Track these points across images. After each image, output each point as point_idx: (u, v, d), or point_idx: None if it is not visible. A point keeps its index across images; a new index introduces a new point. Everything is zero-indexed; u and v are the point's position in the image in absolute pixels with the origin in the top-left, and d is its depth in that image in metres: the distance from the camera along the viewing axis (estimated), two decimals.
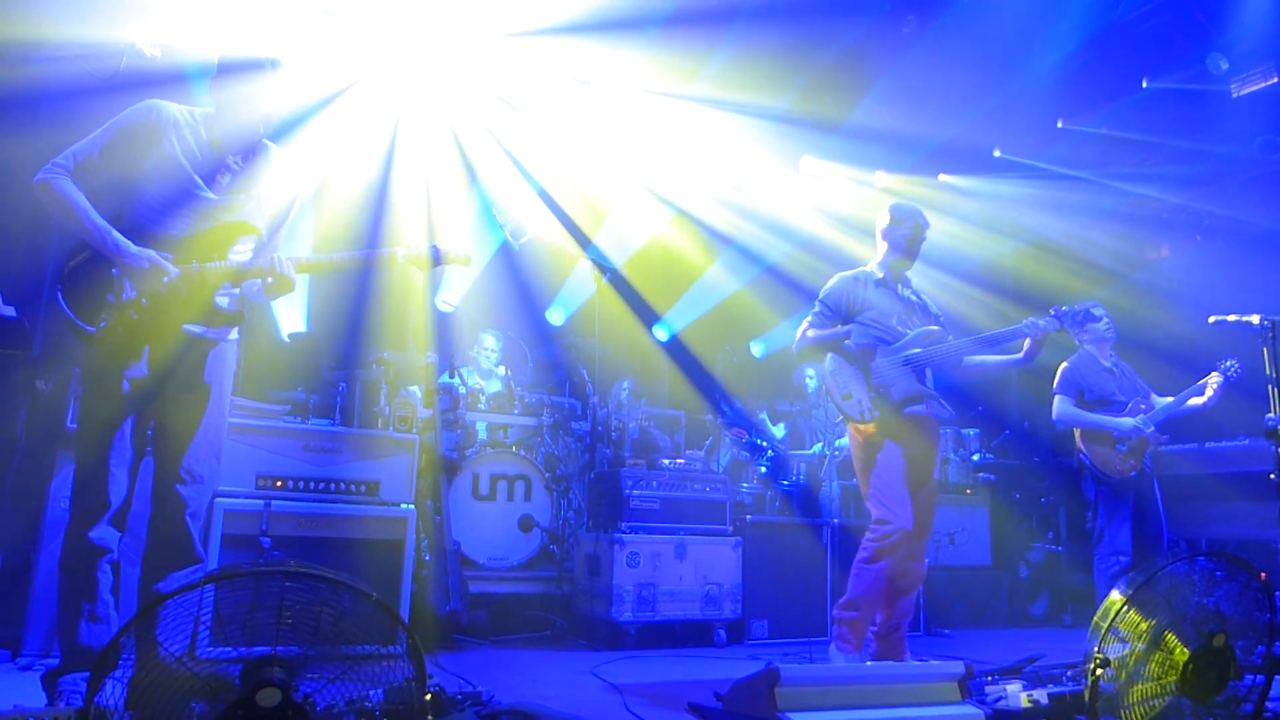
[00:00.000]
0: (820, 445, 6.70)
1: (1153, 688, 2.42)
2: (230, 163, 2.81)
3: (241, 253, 2.81)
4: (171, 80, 2.85)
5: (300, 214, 3.04)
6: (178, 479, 2.69)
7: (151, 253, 2.63)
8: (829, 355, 3.99)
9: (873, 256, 4.30)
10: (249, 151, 2.86)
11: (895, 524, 3.71)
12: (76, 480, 2.69)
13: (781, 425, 7.18)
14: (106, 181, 2.71)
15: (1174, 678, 2.43)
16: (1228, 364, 4.83)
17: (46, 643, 3.61)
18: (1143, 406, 4.86)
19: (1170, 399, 4.88)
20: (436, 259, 2.95)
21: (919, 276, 4.29)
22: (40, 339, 4.02)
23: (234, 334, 2.89)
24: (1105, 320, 5.03)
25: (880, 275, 4.11)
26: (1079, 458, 4.97)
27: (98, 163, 2.68)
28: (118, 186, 2.71)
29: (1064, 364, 5.05)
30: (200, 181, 2.75)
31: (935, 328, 4.02)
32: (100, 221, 2.62)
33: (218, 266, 2.74)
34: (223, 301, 2.79)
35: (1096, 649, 2.32)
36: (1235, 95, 6.62)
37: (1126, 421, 4.80)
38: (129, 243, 2.61)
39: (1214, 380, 4.83)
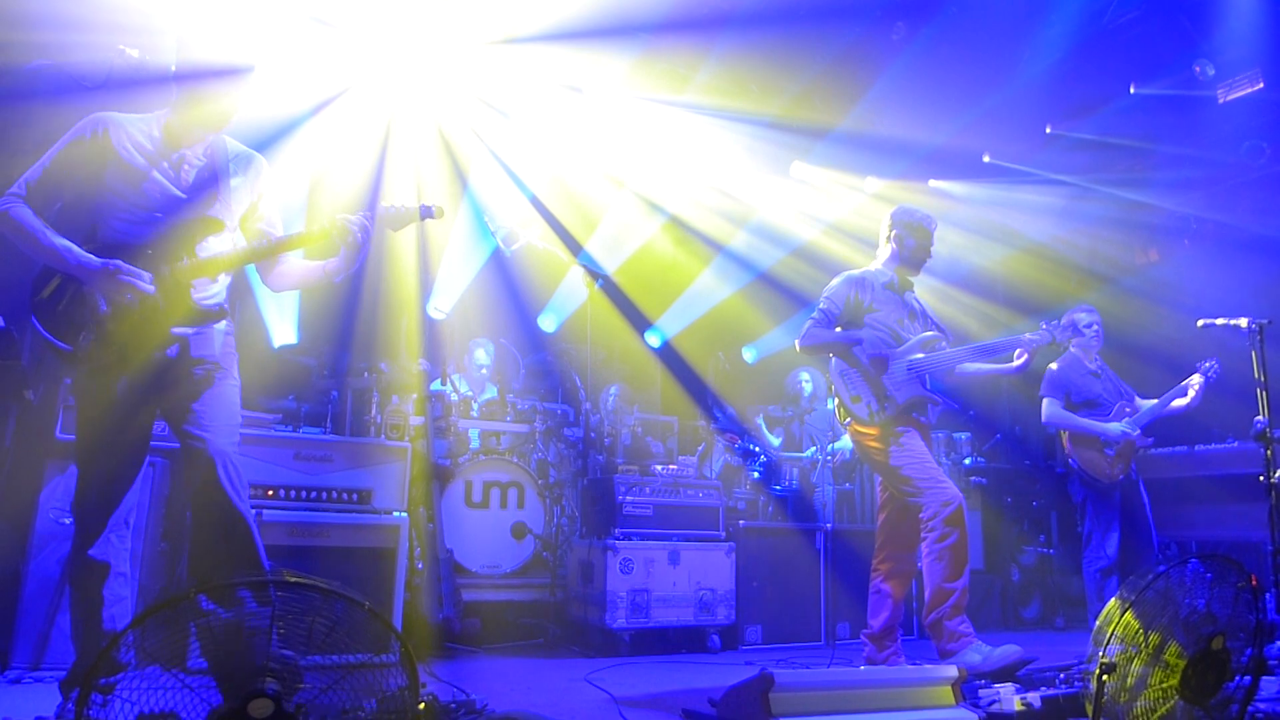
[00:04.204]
0: (814, 449, 6.71)
1: (1153, 692, 2.42)
2: (190, 157, 2.79)
3: (208, 248, 2.78)
4: (158, 82, 2.84)
5: (270, 209, 2.99)
6: (215, 478, 2.64)
7: (117, 261, 2.59)
8: (835, 358, 4.01)
9: (865, 261, 4.32)
10: (210, 147, 2.84)
11: (950, 495, 3.72)
12: (77, 498, 2.68)
13: (778, 436, 7.19)
14: (69, 202, 2.69)
15: (1174, 681, 2.44)
16: (1207, 364, 4.90)
17: (36, 655, 3.57)
18: (1127, 409, 4.94)
19: (1154, 401, 4.94)
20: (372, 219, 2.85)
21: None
22: (28, 349, 4.00)
23: (222, 324, 2.84)
24: (1094, 327, 5.09)
25: (887, 278, 4.13)
26: (1067, 461, 5.03)
27: (51, 183, 2.66)
28: (84, 205, 2.69)
29: (1051, 366, 5.10)
30: (163, 179, 2.73)
31: (934, 334, 4.05)
32: (60, 241, 2.58)
33: (188, 264, 2.71)
34: (202, 298, 2.75)
35: (1101, 654, 2.33)
36: (1222, 101, 6.67)
37: (1114, 427, 4.85)
38: (91, 256, 2.59)
39: (1196, 381, 4.90)
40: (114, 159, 2.69)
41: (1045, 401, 5.05)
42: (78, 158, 2.69)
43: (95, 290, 2.60)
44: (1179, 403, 4.91)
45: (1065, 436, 5.02)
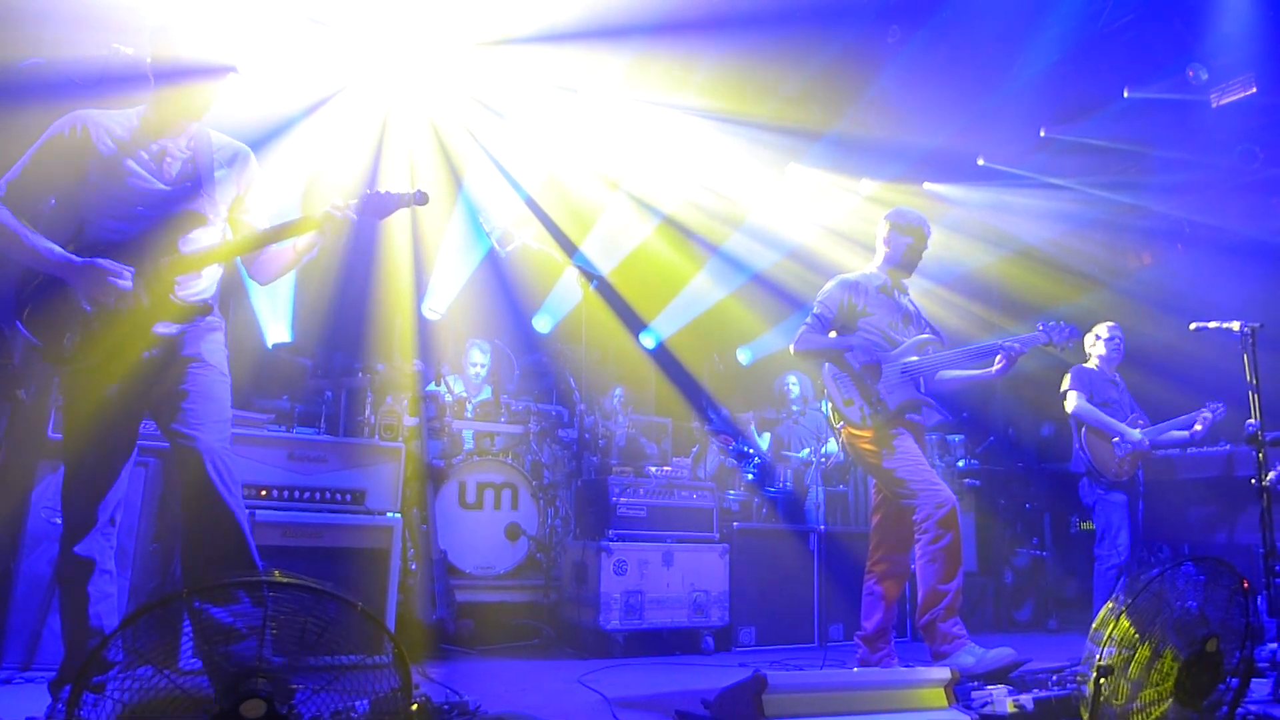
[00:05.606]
0: (807, 450, 6.71)
1: (1148, 694, 2.43)
2: (172, 150, 2.76)
3: (192, 243, 2.75)
4: (149, 79, 2.81)
5: (255, 202, 2.97)
6: (204, 476, 2.61)
7: (102, 260, 2.56)
8: (827, 362, 4.02)
9: (860, 264, 4.33)
10: (194, 140, 2.81)
11: (944, 497, 3.73)
12: (64, 495, 2.67)
13: (766, 435, 7.19)
14: (52, 202, 2.67)
15: (1169, 684, 2.44)
16: (1213, 408, 5.18)
17: (27, 656, 3.56)
18: (1140, 422, 5.18)
19: (1161, 424, 5.20)
20: (368, 207, 2.84)
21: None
22: (20, 348, 3.98)
23: (211, 320, 2.80)
24: (1115, 340, 5.36)
25: (881, 281, 4.13)
26: (1078, 453, 5.18)
27: (31, 182, 2.62)
28: (70, 203, 2.67)
29: (1074, 366, 5.33)
30: (144, 172, 2.70)
31: (928, 336, 4.06)
32: (41, 241, 2.56)
33: (172, 260, 2.68)
34: (187, 294, 2.73)
35: (1098, 657, 2.33)
36: (1215, 105, 6.70)
37: (1135, 432, 5.08)
38: (72, 255, 2.56)
39: (1203, 418, 5.16)
40: (95, 155, 2.65)
41: (1072, 394, 5.23)
42: (57, 155, 2.65)
43: (77, 290, 2.57)
44: (1180, 434, 5.20)
45: (1083, 430, 5.16)
